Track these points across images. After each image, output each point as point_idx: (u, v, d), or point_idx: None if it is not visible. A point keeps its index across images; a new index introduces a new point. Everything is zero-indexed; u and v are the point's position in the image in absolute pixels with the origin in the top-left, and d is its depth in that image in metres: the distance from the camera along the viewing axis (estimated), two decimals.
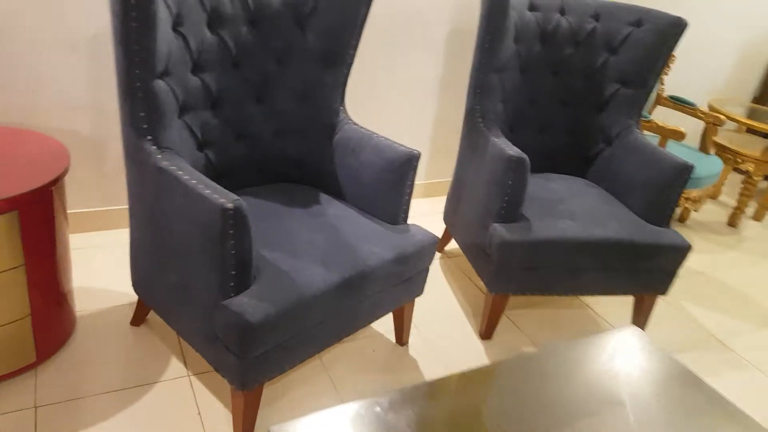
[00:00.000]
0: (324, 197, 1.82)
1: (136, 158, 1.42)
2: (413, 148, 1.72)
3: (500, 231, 1.87)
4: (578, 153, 2.45)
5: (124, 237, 2.30)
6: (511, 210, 1.92)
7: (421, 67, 2.71)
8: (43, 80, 1.96)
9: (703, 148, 3.37)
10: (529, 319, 2.20)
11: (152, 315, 1.88)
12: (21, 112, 1.97)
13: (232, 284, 1.33)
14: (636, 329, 1.49)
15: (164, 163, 1.38)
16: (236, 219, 1.27)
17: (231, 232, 1.28)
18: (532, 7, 2.23)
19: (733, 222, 3.44)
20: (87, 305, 1.89)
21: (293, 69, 1.81)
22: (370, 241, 1.61)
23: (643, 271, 2.04)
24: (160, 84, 1.40)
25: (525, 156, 1.86)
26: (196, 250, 1.34)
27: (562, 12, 2.29)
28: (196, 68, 1.58)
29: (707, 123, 3.32)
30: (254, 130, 1.80)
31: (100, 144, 2.15)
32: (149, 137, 1.41)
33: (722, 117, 3.22)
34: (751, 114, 3.54)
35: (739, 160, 3.49)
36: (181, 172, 1.35)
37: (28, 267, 1.44)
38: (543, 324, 2.18)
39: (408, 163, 1.71)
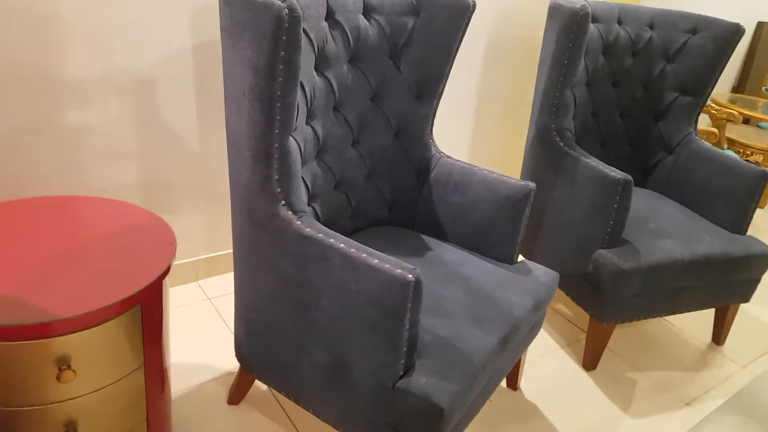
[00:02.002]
0: (429, 240, 1.68)
1: (269, 226, 1.24)
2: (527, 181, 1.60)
3: (611, 259, 1.78)
4: (639, 163, 2.40)
5: (188, 295, 2.06)
6: (615, 235, 1.83)
7: (458, 80, 2.60)
8: (88, 129, 1.72)
9: (718, 143, 3.41)
10: (619, 342, 2.12)
11: (252, 390, 1.68)
12: (67, 166, 1.72)
13: (402, 362, 1.17)
14: None
15: (308, 231, 1.20)
16: (416, 291, 1.11)
17: (409, 305, 1.12)
18: (594, 19, 2.15)
19: None
20: (176, 385, 1.67)
21: (387, 104, 1.65)
22: (506, 289, 1.48)
23: (734, 283, 2.01)
24: (292, 141, 1.22)
25: (630, 177, 1.78)
26: (361, 326, 1.18)
27: (620, 22, 2.23)
28: (310, 116, 1.40)
29: (720, 119, 3.36)
30: (350, 175, 1.63)
31: (153, 192, 1.91)
32: (283, 202, 1.23)
33: (736, 113, 3.27)
34: (734, 103, 3.61)
35: (749, 152, 3.56)
36: (332, 240, 1.18)
37: (147, 367, 1.23)
38: (632, 345, 2.11)
39: (525, 197, 1.59)
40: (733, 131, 3.73)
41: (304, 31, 1.32)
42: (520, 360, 1.76)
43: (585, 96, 2.21)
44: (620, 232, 1.84)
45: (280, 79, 1.09)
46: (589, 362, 1.95)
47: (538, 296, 1.51)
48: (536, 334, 1.68)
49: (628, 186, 1.78)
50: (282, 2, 1.02)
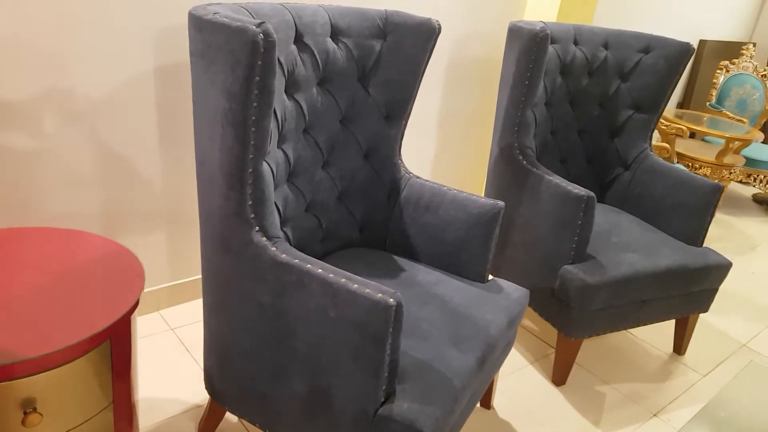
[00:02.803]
0: (400, 260, 1.67)
1: (244, 254, 1.21)
2: (496, 200, 1.62)
3: (577, 274, 1.82)
4: (597, 179, 2.46)
5: (150, 326, 1.99)
6: (580, 250, 1.87)
7: (419, 100, 2.62)
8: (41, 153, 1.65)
9: (670, 158, 3.55)
10: (585, 356, 2.16)
11: (223, 424, 1.62)
12: (22, 193, 1.64)
13: (384, 388, 1.16)
14: None
15: (284, 257, 1.18)
16: (397, 315, 1.10)
17: (391, 330, 1.11)
18: (552, 40, 2.21)
19: None
20: (143, 421, 1.60)
21: (356, 126, 1.65)
22: (480, 308, 1.49)
23: (694, 293, 2.07)
24: (265, 166, 1.20)
25: (593, 194, 1.82)
26: (341, 353, 1.15)
27: (576, 43, 2.30)
28: (281, 140, 1.38)
29: (670, 135, 3.50)
30: (321, 197, 1.62)
31: (111, 219, 1.84)
32: (257, 228, 1.20)
33: (685, 128, 3.41)
34: (681, 118, 3.76)
35: (697, 166, 3.71)
36: (310, 266, 1.16)
37: (116, 404, 1.17)
38: (598, 358, 2.15)
39: (495, 216, 1.61)
40: (681, 145, 3.88)
41: None
42: (493, 380, 1.77)
43: (544, 115, 2.26)
44: (585, 247, 1.87)
45: (255, 104, 1.07)
46: (559, 377, 1.97)
47: (511, 313, 1.52)
48: (509, 351, 1.69)
49: (592, 202, 1.82)
50: (257, 27, 1.00)
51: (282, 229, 1.47)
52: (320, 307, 1.15)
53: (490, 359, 1.40)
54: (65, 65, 1.60)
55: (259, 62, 1.02)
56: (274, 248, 1.19)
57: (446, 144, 2.82)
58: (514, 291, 1.62)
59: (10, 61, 1.51)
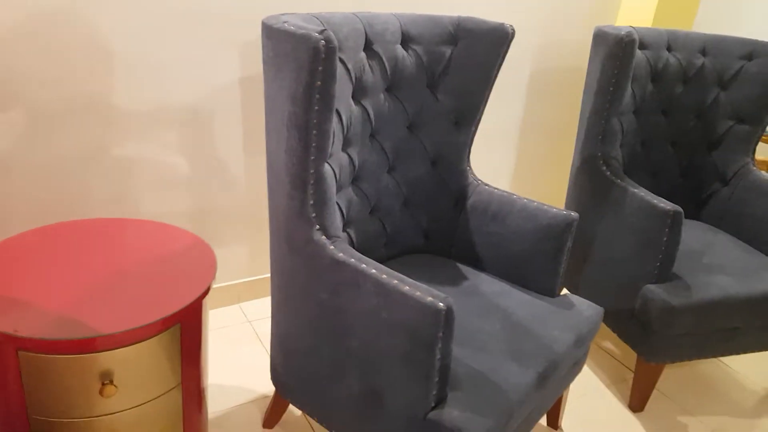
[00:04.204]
0: (464, 269, 1.65)
1: (305, 251, 1.25)
2: (568, 210, 1.56)
3: (660, 294, 1.71)
4: (692, 195, 2.31)
5: (229, 317, 2.10)
6: (664, 269, 1.76)
7: (501, 110, 2.58)
8: (140, 159, 1.79)
9: None
10: (669, 382, 2.02)
11: (286, 415, 1.68)
12: (119, 188, 1.79)
13: (434, 393, 1.15)
14: None
15: (341, 255, 1.20)
16: (447, 320, 1.09)
17: (440, 335, 1.10)
18: (642, 46, 2.11)
19: None
20: (213, 406, 1.69)
21: (424, 133, 1.65)
22: (546, 323, 1.44)
23: None
24: (327, 168, 1.24)
25: (680, 208, 1.71)
26: (393, 355, 1.16)
27: (669, 48, 2.17)
28: (346, 143, 1.42)
29: None
30: (386, 202, 1.64)
31: (201, 218, 1.97)
32: (318, 227, 1.24)
33: None
34: None
35: None
36: (365, 266, 1.17)
37: (184, 386, 1.25)
38: (685, 387, 2.00)
39: (567, 227, 1.55)
40: None
41: (343, 61, 1.35)
42: (561, 397, 1.70)
43: (633, 124, 2.15)
44: (670, 266, 1.76)
45: (317, 108, 1.11)
46: (637, 403, 1.86)
47: (580, 332, 1.46)
48: (579, 371, 1.62)
49: (678, 218, 1.71)
50: (319, 34, 1.04)
51: (346, 231, 1.50)
52: (373, 307, 1.16)
53: (552, 377, 1.35)
54: (163, 77, 1.74)
55: (320, 68, 1.06)
56: (332, 247, 1.22)
57: (528, 155, 2.76)
58: (586, 308, 1.55)
59: (118, 73, 1.66)
